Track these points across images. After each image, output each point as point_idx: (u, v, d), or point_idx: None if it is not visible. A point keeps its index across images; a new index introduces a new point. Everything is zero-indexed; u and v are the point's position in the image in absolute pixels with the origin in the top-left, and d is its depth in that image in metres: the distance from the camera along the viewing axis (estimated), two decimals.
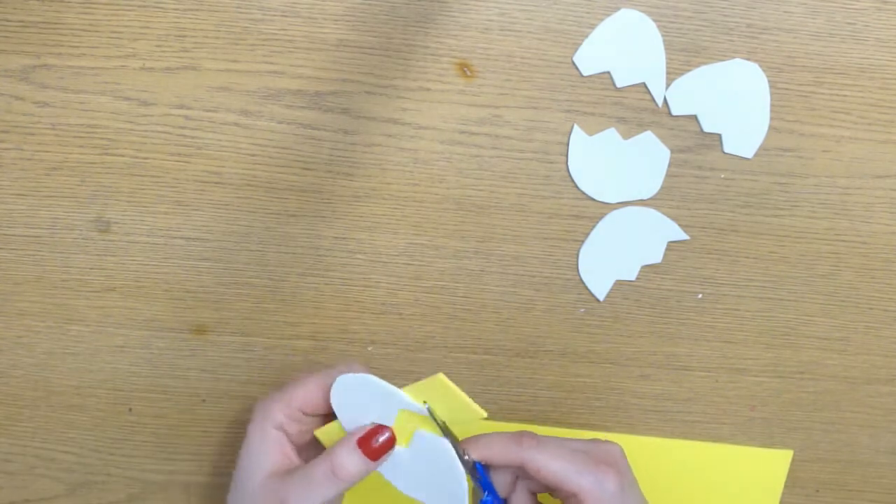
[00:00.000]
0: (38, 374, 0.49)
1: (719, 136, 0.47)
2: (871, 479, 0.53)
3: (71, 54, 0.44)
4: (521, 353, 0.50)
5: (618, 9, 0.45)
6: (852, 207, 0.48)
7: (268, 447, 0.40)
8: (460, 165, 0.47)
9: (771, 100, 0.46)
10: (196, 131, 0.46)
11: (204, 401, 0.50)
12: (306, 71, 0.45)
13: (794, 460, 0.52)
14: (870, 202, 0.48)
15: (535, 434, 0.40)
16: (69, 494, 0.51)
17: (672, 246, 0.48)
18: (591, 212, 0.48)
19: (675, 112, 0.46)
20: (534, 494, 0.42)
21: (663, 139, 0.47)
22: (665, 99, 0.46)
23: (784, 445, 0.52)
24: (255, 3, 0.44)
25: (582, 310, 0.49)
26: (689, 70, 0.46)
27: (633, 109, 0.46)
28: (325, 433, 0.42)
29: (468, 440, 0.40)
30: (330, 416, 0.41)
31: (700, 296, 0.49)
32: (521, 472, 0.41)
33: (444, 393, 0.38)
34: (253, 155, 0.46)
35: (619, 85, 0.46)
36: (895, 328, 0.50)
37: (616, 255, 0.48)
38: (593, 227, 0.48)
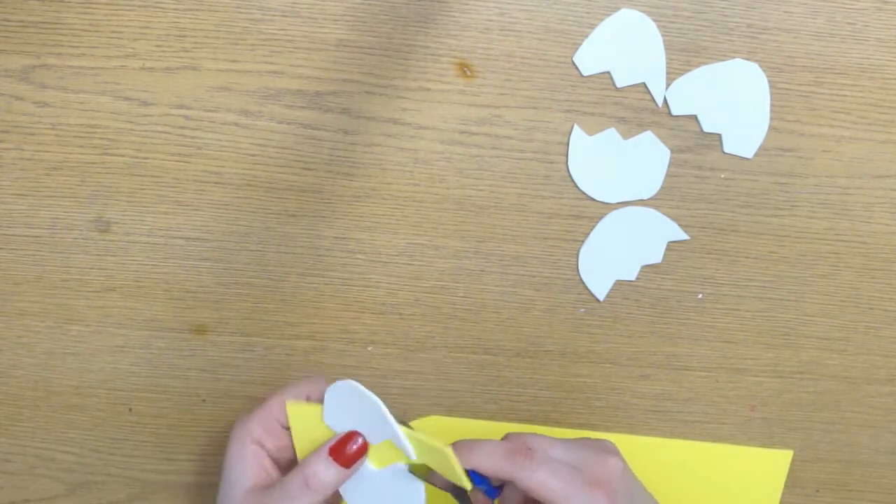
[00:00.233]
0: (38, 374, 0.49)
1: (719, 136, 0.47)
2: (871, 479, 0.53)
3: (71, 54, 0.44)
4: (521, 353, 0.50)
5: (618, 9, 0.45)
6: (852, 207, 0.48)
7: (246, 463, 0.40)
8: (460, 165, 0.47)
9: (771, 100, 0.46)
10: (196, 131, 0.46)
11: (204, 401, 0.50)
12: (306, 71, 0.45)
13: (794, 460, 0.52)
14: (870, 202, 0.48)
15: (530, 448, 0.39)
16: (69, 494, 0.51)
17: (672, 246, 0.48)
18: (591, 212, 0.48)
19: (675, 112, 0.46)
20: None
21: (663, 139, 0.47)
22: (665, 99, 0.46)
23: (784, 445, 0.52)
24: (255, 3, 0.44)
25: (582, 310, 0.49)
26: (689, 70, 0.46)
27: (633, 109, 0.46)
28: (296, 409, 0.40)
29: (461, 444, 0.39)
30: None
31: (700, 296, 0.49)
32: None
33: (441, 461, 0.37)
34: (253, 155, 0.46)
35: (619, 85, 0.46)
36: (895, 328, 0.50)
37: (616, 255, 0.48)
38: (593, 227, 0.48)
